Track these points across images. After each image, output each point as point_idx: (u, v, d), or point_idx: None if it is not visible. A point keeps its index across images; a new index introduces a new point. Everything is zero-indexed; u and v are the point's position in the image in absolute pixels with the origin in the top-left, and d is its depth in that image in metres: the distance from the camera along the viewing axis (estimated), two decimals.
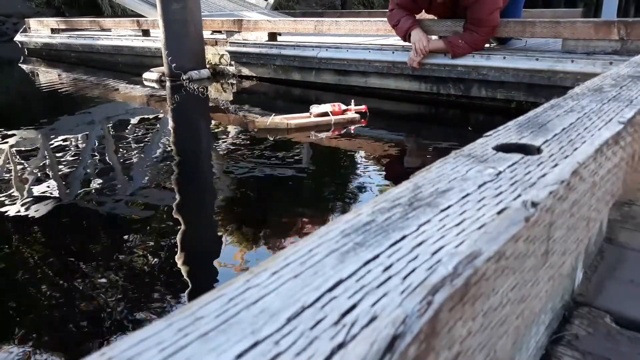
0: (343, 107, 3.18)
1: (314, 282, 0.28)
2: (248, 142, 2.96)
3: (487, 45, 3.47)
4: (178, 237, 1.84)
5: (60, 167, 2.62)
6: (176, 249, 1.75)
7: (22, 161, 2.74)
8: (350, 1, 12.95)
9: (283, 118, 3.08)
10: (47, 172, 2.56)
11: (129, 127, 3.49)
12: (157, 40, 5.03)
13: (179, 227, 1.92)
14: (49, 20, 7.18)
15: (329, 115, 3.11)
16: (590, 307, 0.79)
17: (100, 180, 2.40)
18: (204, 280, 1.61)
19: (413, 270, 0.29)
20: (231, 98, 4.41)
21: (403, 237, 0.33)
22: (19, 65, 6.79)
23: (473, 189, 0.41)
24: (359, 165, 2.70)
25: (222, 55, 4.95)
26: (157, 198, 2.22)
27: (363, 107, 3.25)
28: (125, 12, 8.64)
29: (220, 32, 5.00)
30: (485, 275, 0.32)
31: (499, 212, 0.37)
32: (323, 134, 3.02)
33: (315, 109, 3.14)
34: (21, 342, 1.26)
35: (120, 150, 2.95)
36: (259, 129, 3.07)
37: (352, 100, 3.23)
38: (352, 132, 3.20)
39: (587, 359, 0.68)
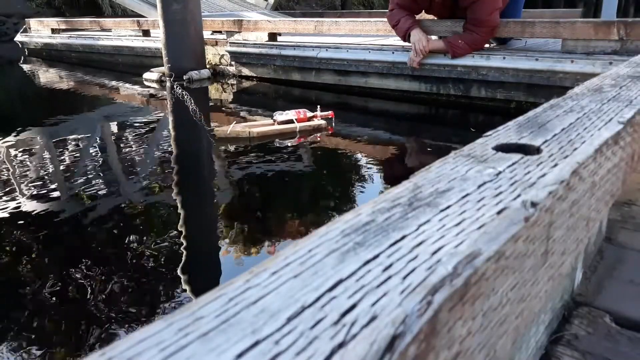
0: (309, 113, 3.07)
1: (314, 282, 0.28)
2: (247, 141, 2.95)
3: (487, 45, 3.47)
4: (178, 237, 1.84)
5: (60, 167, 2.62)
6: (176, 249, 1.75)
7: (22, 161, 2.74)
8: (350, 1, 12.94)
9: (245, 126, 2.97)
10: (47, 172, 2.56)
11: (128, 127, 3.49)
12: (157, 40, 5.04)
13: (178, 227, 1.92)
14: (49, 21, 7.19)
15: (293, 122, 2.99)
16: (590, 307, 0.79)
17: (100, 180, 2.41)
18: (204, 280, 1.61)
19: (413, 270, 0.29)
20: (231, 98, 4.41)
21: (403, 237, 0.33)
22: (19, 65, 6.79)
23: (473, 189, 0.41)
24: (358, 166, 2.70)
25: (222, 56, 4.96)
26: (156, 198, 2.22)
27: (329, 113, 3.13)
28: (125, 12, 8.65)
29: (220, 32, 5.00)
30: (485, 275, 0.32)
31: (499, 212, 0.37)
32: (287, 142, 2.88)
33: (279, 116, 3.02)
34: (21, 342, 1.26)
35: (120, 150, 2.95)
36: (218, 139, 2.91)
37: (319, 106, 3.12)
38: (352, 132, 3.20)
39: (587, 359, 0.68)
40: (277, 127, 2.99)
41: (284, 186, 2.37)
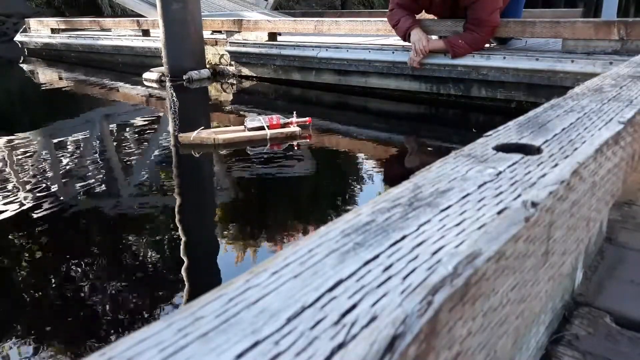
0: (283, 119, 2.92)
1: (314, 282, 0.28)
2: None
3: (487, 45, 3.47)
4: (178, 237, 1.84)
5: (60, 167, 2.62)
6: (176, 249, 1.75)
7: (22, 161, 2.74)
8: (350, 1, 12.95)
9: (211, 132, 2.82)
10: (47, 172, 2.56)
11: (128, 127, 3.49)
12: (157, 40, 5.04)
13: (178, 227, 1.92)
14: (49, 20, 7.19)
15: (264, 129, 2.84)
16: (591, 307, 0.79)
17: (99, 181, 2.41)
18: (204, 280, 1.61)
19: (413, 270, 0.29)
20: (231, 98, 4.41)
21: (403, 237, 0.33)
22: (19, 65, 6.79)
23: (473, 189, 0.41)
24: (358, 166, 2.70)
25: (222, 55, 4.96)
26: (156, 198, 2.22)
27: (307, 119, 2.98)
28: (125, 12, 8.64)
29: (220, 32, 5.00)
30: (485, 275, 0.32)
31: (499, 212, 0.37)
32: (257, 149, 2.75)
33: (250, 122, 2.87)
34: (21, 343, 1.26)
35: (120, 150, 2.95)
36: (182, 145, 2.78)
37: (295, 112, 2.98)
38: (352, 132, 3.20)
39: (587, 359, 0.68)
40: (246, 133, 2.84)
41: (284, 187, 2.37)
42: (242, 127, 2.92)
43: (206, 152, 2.75)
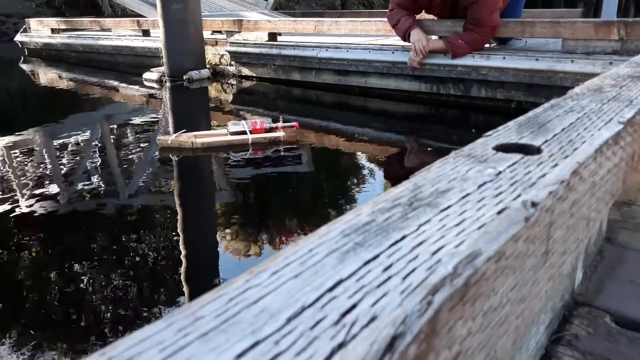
0: (267, 124, 2.84)
1: (314, 282, 0.28)
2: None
3: (487, 45, 3.47)
4: (178, 237, 1.84)
5: (60, 167, 2.62)
6: (176, 249, 1.75)
7: (22, 161, 2.74)
8: (350, 1, 12.95)
9: (191, 136, 2.74)
10: (47, 172, 2.56)
11: (128, 127, 3.49)
12: (157, 40, 5.04)
13: (178, 227, 1.92)
14: (49, 20, 7.19)
15: (247, 133, 2.77)
16: (590, 307, 0.79)
17: (100, 181, 2.41)
18: (204, 280, 1.61)
19: (413, 270, 0.29)
20: (231, 98, 4.41)
21: (403, 237, 0.33)
22: (19, 65, 6.79)
23: (473, 189, 0.41)
24: (358, 166, 2.70)
25: (222, 55, 4.96)
26: (156, 198, 2.22)
27: (294, 124, 2.89)
28: (125, 12, 8.64)
29: (220, 32, 5.00)
30: (485, 275, 0.32)
31: (499, 212, 0.37)
32: (239, 155, 2.68)
33: (232, 126, 2.80)
34: (21, 343, 1.26)
35: (120, 150, 2.95)
36: (161, 148, 2.73)
37: (281, 117, 2.93)
38: (353, 131, 3.20)
39: (587, 359, 0.68)
40: (226, 138, 2.77)
41: (284, 186, 2.37)
42: (224, 131, 2.85)
43: (184, 156, 2.68)
